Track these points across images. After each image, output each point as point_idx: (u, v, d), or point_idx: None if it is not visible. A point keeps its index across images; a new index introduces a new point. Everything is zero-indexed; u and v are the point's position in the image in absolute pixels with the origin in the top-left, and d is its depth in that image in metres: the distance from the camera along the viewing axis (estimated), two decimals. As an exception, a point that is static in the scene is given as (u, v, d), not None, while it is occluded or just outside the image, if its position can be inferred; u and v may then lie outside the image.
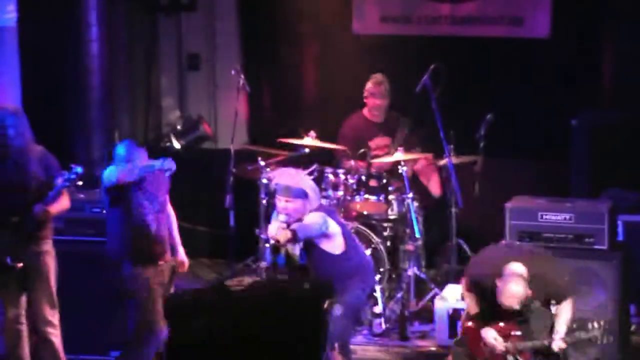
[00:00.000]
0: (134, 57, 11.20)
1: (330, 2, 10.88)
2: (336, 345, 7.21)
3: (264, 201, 9.27)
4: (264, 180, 9.24)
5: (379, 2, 10.83)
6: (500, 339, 6.94)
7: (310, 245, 7.27)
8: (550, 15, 10.35)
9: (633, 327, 8.55)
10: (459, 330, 7.33)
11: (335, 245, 7.29)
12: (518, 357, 6.99)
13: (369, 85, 9.53)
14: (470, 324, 7.11)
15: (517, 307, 6.91)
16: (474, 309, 7.13)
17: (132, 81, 11.16)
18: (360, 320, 8.22)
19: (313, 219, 7.26)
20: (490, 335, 6.97)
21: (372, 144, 9.51)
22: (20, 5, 8.75)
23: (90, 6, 9.67)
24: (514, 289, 6.88)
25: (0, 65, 8.46)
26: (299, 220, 7.27)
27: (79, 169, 7.24)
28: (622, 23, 10.14)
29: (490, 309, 7.03)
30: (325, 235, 7.26)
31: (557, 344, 6.94)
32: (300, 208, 7.27)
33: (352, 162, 9.34)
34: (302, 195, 7.27)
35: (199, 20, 11.38)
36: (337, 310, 7.15)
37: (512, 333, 6.98)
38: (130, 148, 7.47)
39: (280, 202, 7.32)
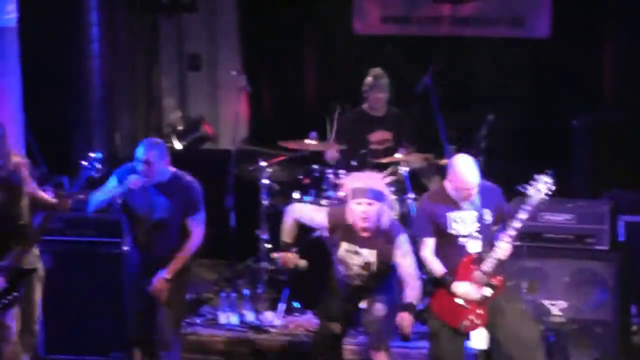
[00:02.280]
0: (134, 57, 11.20)
1: (331, 3, 10.90)
2: (382, 345, 7.15)
3: (265, 202, 9.26)
4: (265, 181, 9.23)
5: (380, 2, 10.84)
6: (470, 285, 6.97)
7: (386, 271, 7.10)
8: (550, 16, 10.37)
9: (634, 328, 8.54)
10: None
11: None
12: (491, 283, 6.99)
13: (368, 79, 9.53)
14: (436, 293, 7.12)
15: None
16: (440, 269, 7.08)
17: (132, 81, 11.17)
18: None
19: (412, 257, 7.03)
20: (460, 286, 6.98)
21: (372, 138, 9.51)
22: (21, 6, 8.74)
23: (91, 6, 9.68)
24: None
25: (0, 66, 8.46)
26: (376, 225, 6.98)
27: (99, 154, 7.27)
28: (623, 23, 10.15)
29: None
30: None
31: (500, 246, 6.93)
32: (381, 212, 6.96)
33: (353, 162, 9.34)
34: (383, 198, 6.97)
35: (200, 21, 11.39)
36: (381, 310, 7.12)
37: (472, 266, 7.01)
38: (148, 148, 7.39)
39: (360, 205, 6.93)
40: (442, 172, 9.50)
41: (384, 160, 9.27)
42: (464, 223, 7.10)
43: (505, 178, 9.00)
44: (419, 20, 10.75)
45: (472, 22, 10.61)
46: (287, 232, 7.36)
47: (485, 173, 9.21)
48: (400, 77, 9.58)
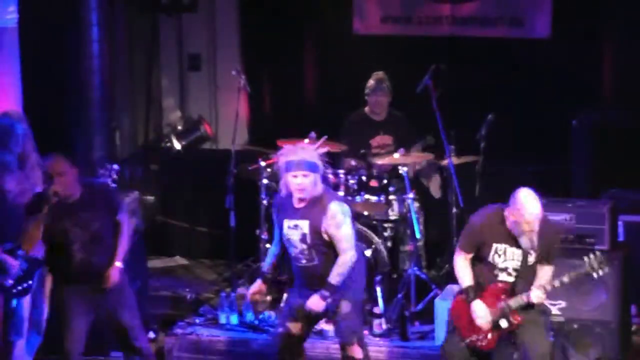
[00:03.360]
0: (134, 57, 11.20)
1: (331, 3, 10.88)
2: (354, 339, 7.20)
3: (265, 202, 9.27)
4: (265, 181, 9.23)
5: (380, 3, 10.83)
6: (488, 312, 6.98)
7: (328, 247, 7.07)
8: (550, 16, 10.36)
9: (634, 328, 8.55)
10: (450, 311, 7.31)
11: None
12: (510, 318, 7.00)
13: (370, 82, 9.54)
14: (459, 298, 7.13)
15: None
16: (468, 281, 7.08)
17: (132, 81, 11.17)
18: (364, 313, 8.16)
19: (348, 227, 7.00)
20: (478, 307, 6.99)
21: (374, 142, 9.52)
22: (21, 6, 8.74)
23: (91, 6, 9.66)
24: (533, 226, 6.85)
25: (0, 66, 8.46)
26: (314, 195, 6.98)
27: (116, 166, 7.35)
28: (622, 23, 10.15)
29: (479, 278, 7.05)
30: None
31: (535, 294, 6.95)
32: (316, 182, 6.98)
33: (353, 162, 9.34)
34: (317, 168, 7.01)
35: (200, 21, 11.39)
36: (346, 307, 7.12)
37: (502, 295, 7.02)
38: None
39: (297, 178, 6.97)
40: (442, 172, 9.55)
41: (384, 161, 9.27)
42: (505, 257, 7.07)
43: (504, 178, 9.02)
44: (419, 20, 10.74)
45: (472, 22, 10.61)
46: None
47: (485, 173, 9.27)
48: (400, 77, 9.58)
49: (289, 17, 10.92)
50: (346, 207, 7.07)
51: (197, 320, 8.90)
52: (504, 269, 7.07)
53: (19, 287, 7.24)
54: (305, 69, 11.19)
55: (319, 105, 11.00)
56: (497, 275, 7.08)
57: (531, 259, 7.07)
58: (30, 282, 7.28)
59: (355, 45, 10.76)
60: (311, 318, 7.24)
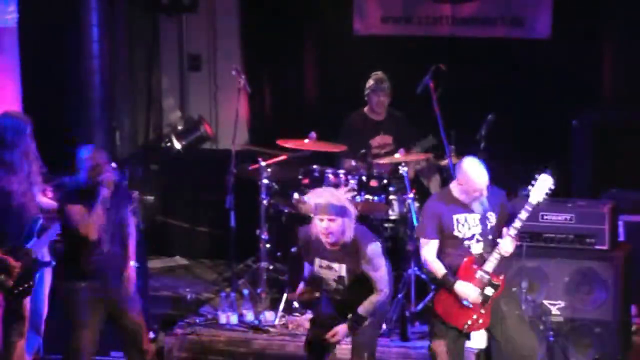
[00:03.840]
0: (134, 57, 11.20)
1: (331, 3, 10.88)
2: (365, 354, 7.17)
3: (265, 202, 9.26)
4: (265, 181, 9.22)
5: (380, 3, 10.83)
6: (472, 286, 7.03)
7: (363, 283, 7.08)
8: (551, 16, 10.35)
9: (634, 328, 8.54)
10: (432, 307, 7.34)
11: None
12: (493, 282, 7.05)
13: (370, 82, 9.53)
14: (440, 292, 7.17)
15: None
16: (442, 269, 7.13)
17: (133, 82, 11.17)
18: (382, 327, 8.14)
19: (384, 268, 7.05)
20: (462, 286, 7.05)
21: (373, 142, 9.51)
22: (21, 6, 8.75)
23: (91, 7, 9.68)
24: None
25: (0, 66, 8.46)
26: (341, 240, 6.99)
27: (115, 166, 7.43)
28: (622, 23, 10.14)
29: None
30: None
31: (504, 244, 7.03)
32: (344, 227, 6.95)
33: (353, 162, 9.34)
34: (345, 212, 6.97)
35: (200, 21, 11.39)
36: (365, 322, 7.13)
37: (474, 266, 7.08)
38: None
39: (323, 222, 6.94)
40: (442, 172, 9.55)
41: (384, 161, 9.27)
42: (468, 225, 7.14)
43: (505, 178, 9.01)
44: (419, 20, 10.74)
45: (472, 22, 10.60)
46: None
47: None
48: (401, 78, 9.58)
49: (289, 17, 10.92)
50: (379, 246, 7.11)
51: (197, 320, 8.89)
52: (471, 237, 7.13)
53: (20, 288, 7.24)
54: (305, 69, 11.19)
55: (319, 106, 11.00)
56: (468, 248, 7.12)
57: (492, 219, 7.16)
58: (31, 282, 7.28)
59: (355, 46, 10.76)
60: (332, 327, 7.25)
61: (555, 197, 7.40)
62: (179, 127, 11.35)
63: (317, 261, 7.13)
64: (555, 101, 10.12)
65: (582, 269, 7.96)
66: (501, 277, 7.09)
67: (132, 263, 7.41)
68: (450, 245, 7.16)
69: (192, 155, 11.07)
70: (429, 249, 7.18)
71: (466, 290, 7.08)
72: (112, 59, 10.00)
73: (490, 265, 7.07)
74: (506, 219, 7.21)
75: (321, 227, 6.95)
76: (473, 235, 7.14)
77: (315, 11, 10.88)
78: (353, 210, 7.04)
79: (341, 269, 7.07)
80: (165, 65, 11.56)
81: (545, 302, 8.00)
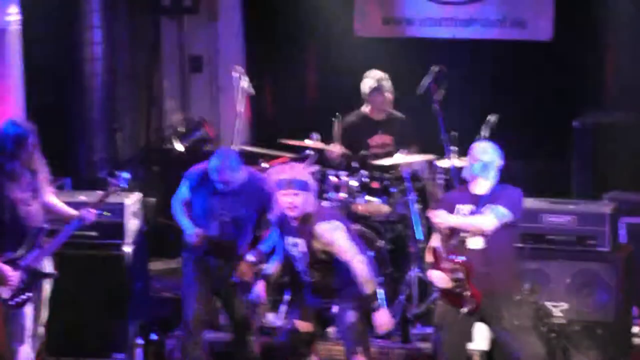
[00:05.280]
0: (136, 59, 11.21)
1: (332, 4, 10.89)
2: (359, 349, 7.16)
3: (266, 203, 9.25)
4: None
5: (381, 4, 10.84)
6: (442, 274, 7.11)
7: (328, 262, 7.08)
8: (552, 18, 10.36)
9: (635, 329, 8.54)
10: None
11: None
12: (455, 266, 7.09)
13: (370, 82, 9.51)
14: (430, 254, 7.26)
15: None
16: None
17: (134, 83, 11.18)
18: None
19: (342, 239, 7.03)
20: (432, 275, 7.17)
21: (372, 141, 9.51)
22: (23, 7, 8.75)
23: (93, 8, 9.69)
24: None
25: (2, 67, 8.47)
26: (306, 213, 7.04)
27: (126, 175, 7.50)
28: (624, 25, 10.14)
29: None
30: None
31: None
32: (308, 200, 7.03)
33: (353, 163, 9.33)
34: (308, 187, 7.06)
35: (202, 22, 11.39)
36: (351, 317, 7.12)
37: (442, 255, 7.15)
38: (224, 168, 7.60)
39: (287, 196, 7.02)
40: (443, 173, 9.53)
41: (385, 162, 9.27)
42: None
43: (506, 179, 8.99)
44: (420, 22, 10.74)
45: (474, 24, 10.61)
46: None
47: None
48: (402, 79, 9.58)
49: (290, 19, 10.93)
50: (334, 223, 7.07)
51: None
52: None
53: (17, 299, 7.21)
54: (306, 71, 11.19)
55: (321, 107, 11.00)
56: (463, 241, 7.11)
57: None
58: (29, 294, 7.24)
59: (356, 47, 10.76)
60: (320, 320, 7.26)
61: (556, 198, 7.41)
62: (181, 129, 11.35)
63: (287, 238, 7.19)
64: (556, 103, 10.13)
65: (584, 271, 7.96)
66: (461, 259, 7.07)
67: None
68: (451, 236, 7.18)
69: (193, 156, 11.05)
70: (432, 239, 7.28)
71: (435, 278, 7.17)
72: (113, 61, 10.00)
73: (445, 250, 7.12)
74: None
75: (285, 201, 7.03)
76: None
77: (317, 12, 10.89)
78: (314, 185, 7.11)
79: (302, 244, 7.10)
80: (166, 67, 11.57)
81: (547, 303, 7.99)
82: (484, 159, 7.21)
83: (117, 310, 8.19)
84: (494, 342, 7.51)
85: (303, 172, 7.17)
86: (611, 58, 10.36)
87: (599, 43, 10.30)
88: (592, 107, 9.97)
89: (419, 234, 8.95)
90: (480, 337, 7.72)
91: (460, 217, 7.11)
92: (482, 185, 7.19)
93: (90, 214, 7.39)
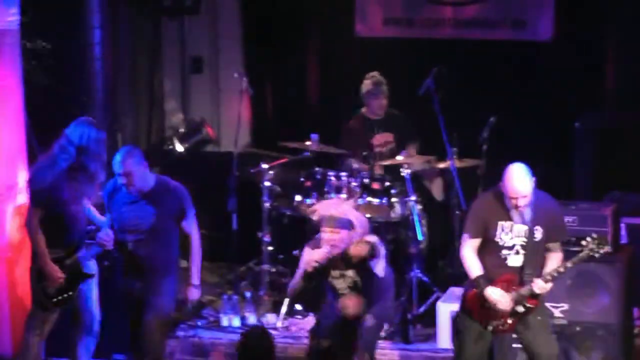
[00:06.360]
0: (137, 60, 11.20)
1: (333, 5, 10.88)
2: (367, 356, 7.25)
3: (267, 204, 9.27)
4: (267, 183, 9.22)
5: (382, 5, 10.83)
6: (505, 294, 7.00)
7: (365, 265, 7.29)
8: (553, 18, 10.35)
9: (636, 330, 8.54)
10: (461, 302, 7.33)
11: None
12: (526, 304, 7.03)
13: (369, 86, 9.53)
14: (472, 290, 7.13)
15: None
16: (477, 271, 7.08)
17: (135, 84, 11.17)
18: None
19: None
20: (494, 293, 6.99)
21: (375, 141, 9.52)
22: (23, 8, 8.74)
23: (94, 9, 9.67)
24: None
25: (2, 68, 8.46)
26: (344, 252, 7.27)
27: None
28: (625, 26, 10.14)
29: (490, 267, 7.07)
30: None
31: (538, 285, 6.98)
32: (346, 239, 7.27)
33: (355, 165, 9.34)
34: (348, 225, 7.28)
35: (203, 24, 11.39)
36: (369, 321, 7.23)
37: (512, 286, 7.04)
38: (124, 158, 7.49)
39: (326, 233, 7.29)
40: (444, 174, 9.54)
41: (387, 162, 9.28)
42: (512, 234, 7.07)
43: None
44: (421, 22, 10.74)
45: (474, 24, 10.60)
46: None
47: (488, 176, 9.26)
48: (402, 80, 9.58)
49: (291, 20, 10.92)
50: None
51: (199, 323, 8.89)
52: (512, 247, 7.05)
53: (59, 297, 7.29)
54: (307, 71, 11.19)
55: (321, 108, 11.00)
56: (505, 259, 7.05)
57: (537, 235, 7.05)
58: (71, 293, 7.35)
59: (357, 48, 10.76)
60: (344, 335, 7.35)
61: (557, 199, 7.40)
62: (181, 130, 11.34)
63: (331, 272, 7.36)
64: (557, 103, 10.12)
65: (585, 272, 7.94)
66: (535, 301, 7.06)
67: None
68: (487, 248, 7.12)
69: (194, 157, 11.06)
70: (468, 247, 7.15)
71: (497, 296, 7.02)
72: (114, 62, 9.99)
73: (526, 291, 7.03)
74: (555, 238, 7.15)
75: (326, 238, 7.27)
76: (514, 246, 7.08)
77: (317, 13, 10.89)
78: (359, 223, 7.30)
79: (354, 274, 7.34)
80: (167, 68, 11.56)
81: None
82: (524, 194, 7.02)
83: (118, 312, 8.18)
84: (494, 345, 7.48)
85: (346, 209, 7.40)
86: (612, 58, 10.35)
87: (600, 43, 10.29)
88: (593, 108, 9.96)
89: (420, 235, 8.96)
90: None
91: (527, 290, 7.01)
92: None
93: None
